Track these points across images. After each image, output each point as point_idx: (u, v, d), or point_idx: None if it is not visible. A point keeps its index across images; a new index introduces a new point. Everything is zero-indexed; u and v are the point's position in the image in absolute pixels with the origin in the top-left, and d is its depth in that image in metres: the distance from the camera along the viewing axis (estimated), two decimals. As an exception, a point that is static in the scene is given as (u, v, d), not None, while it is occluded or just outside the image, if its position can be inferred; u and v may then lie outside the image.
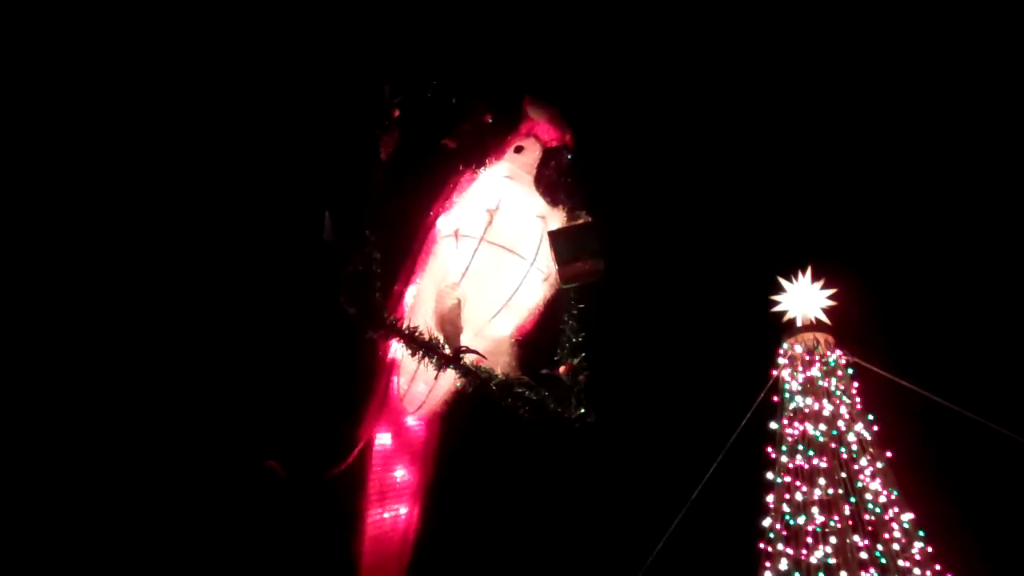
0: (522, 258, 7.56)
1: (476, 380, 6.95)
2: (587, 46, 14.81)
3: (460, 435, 7.97)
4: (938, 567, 13.54)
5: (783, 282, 15.74)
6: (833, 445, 14.49)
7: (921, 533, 13.78)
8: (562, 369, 7.61)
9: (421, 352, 6.83)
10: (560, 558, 15.34)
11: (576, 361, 7.60)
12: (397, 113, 7.98)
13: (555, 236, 7.41)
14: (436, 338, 7.03)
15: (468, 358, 6.98)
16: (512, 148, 7.77)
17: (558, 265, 7.35)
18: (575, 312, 7.80)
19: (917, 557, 13.60)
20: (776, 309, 15.79)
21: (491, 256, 7.50)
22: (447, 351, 6.89)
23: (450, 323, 7.01)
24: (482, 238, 7.29)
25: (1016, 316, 16.68)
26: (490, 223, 7.37)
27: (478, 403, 7.23)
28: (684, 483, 14.58)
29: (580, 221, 7.47)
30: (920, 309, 17.34)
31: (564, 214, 7.66)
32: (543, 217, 7.67)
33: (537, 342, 7.88)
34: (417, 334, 6.83)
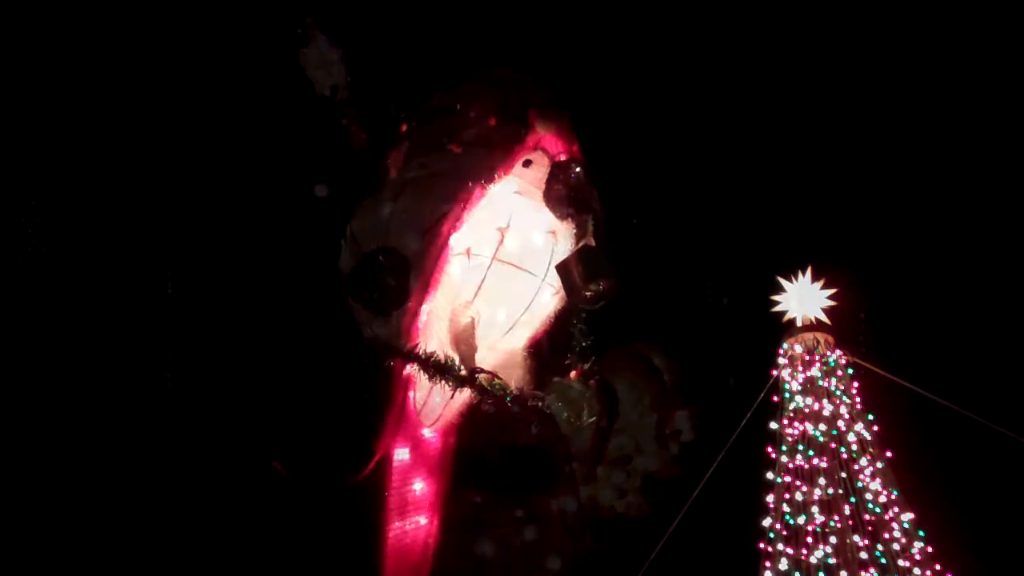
0: (533, 275, 7.60)
1: (491, 398, 7.00)
2: (586, 47, 14.85)
3: (475, 445, 8.04)
4: (938, 567, 13.56)
5: (783, 282, 15.73)
6: (833, 445, 14.46)
7: (921, 533, 13.82)
8: (573, 374, 7.67)
9: (438, 376, 6.86)
10: (562, 557, 15.36)
11: (587, 366, 7.66)
12: (404, 128, 8.00)
13: (563, 269, 7.40)
14: (451, 358, 7.06)
15: (482, 376, 7.01)
16: (520, 162, 7.80)
17: (572, 294, 7.33)
18: (583, 315, 7.84)
19: (917, 557, 13.63)
20: (776, 309, 15.78)
21: (503, 274, 7.55)
22: (463, 372, 6.92)
23: (465, 343, 7.07)
24: (494, 257, 7.33)
25: (1016, 316, 16.79)
26: (501, 242, 7.41)
27: (493, 414, 7.29)
28: (684, 483, 14.60)
29: (582, 244, 7.46)
30: (920, 309, 17.41)
31: (573, 228, 7.68)
32: (553, 232, 7.71)
33: (548, 348, 7.93)
34: (433, 360, 6.85)
